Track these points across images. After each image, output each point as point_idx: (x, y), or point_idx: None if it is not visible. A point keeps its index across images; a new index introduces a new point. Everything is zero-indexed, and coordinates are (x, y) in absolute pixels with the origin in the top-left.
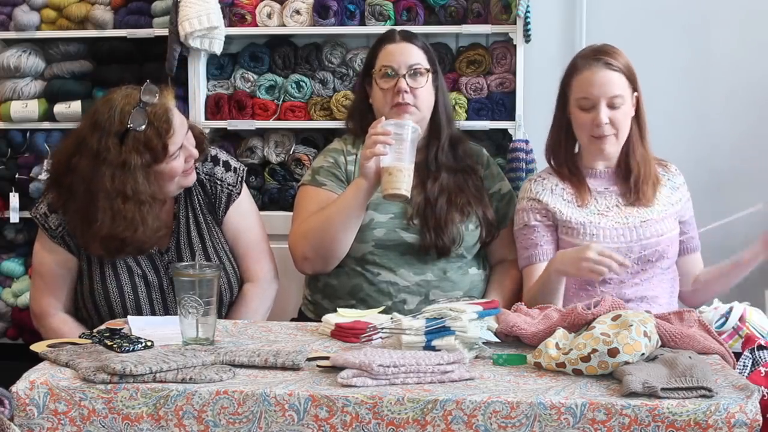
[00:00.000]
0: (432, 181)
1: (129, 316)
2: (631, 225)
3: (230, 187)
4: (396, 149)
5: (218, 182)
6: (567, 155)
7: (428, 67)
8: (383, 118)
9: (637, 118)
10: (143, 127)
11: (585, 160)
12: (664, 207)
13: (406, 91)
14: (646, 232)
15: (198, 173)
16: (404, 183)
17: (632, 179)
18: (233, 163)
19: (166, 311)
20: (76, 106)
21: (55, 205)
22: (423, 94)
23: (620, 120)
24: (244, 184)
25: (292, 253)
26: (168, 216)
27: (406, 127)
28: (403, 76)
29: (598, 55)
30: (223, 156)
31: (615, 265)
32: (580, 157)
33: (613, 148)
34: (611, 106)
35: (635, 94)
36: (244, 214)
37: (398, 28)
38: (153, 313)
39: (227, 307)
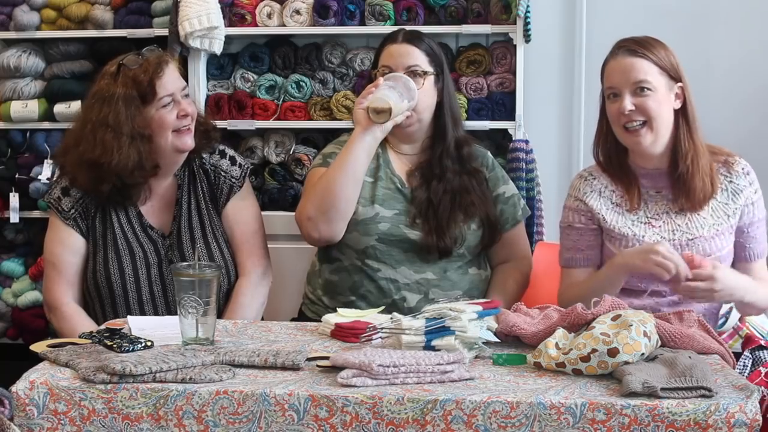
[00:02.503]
0: (437, 182)
1: (129, 317)
2: (676, 242)
3: (233, 180)
4: (385, 87)
5: (222, 174)
6: (612, 153)
7: (427, 69)
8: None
9: (683, 111)
10: (135, 66)
11: (632, 158)
12: (717, 221)
13: None
14: (692, 251)
15: (204, 163)
16: (389, 100)
17: (677, 175)
18: (239, 159)
19: (164, 292)
20: (76, 106)
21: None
22: (420, 95)
23: (650, 107)
24: (248, 180)
25: (298, 222)
26: (170, 199)
27: (398, 77)
28: None
29: (624, 43)
30: (230, 152)
31: (682, 268)
32: (630, 158)
33: (648, 139)
34: (636, 93)
35: (678, 84)
36: (243, 208)
37: (408, 28)
38: (151, 292)
39: (225, 295)
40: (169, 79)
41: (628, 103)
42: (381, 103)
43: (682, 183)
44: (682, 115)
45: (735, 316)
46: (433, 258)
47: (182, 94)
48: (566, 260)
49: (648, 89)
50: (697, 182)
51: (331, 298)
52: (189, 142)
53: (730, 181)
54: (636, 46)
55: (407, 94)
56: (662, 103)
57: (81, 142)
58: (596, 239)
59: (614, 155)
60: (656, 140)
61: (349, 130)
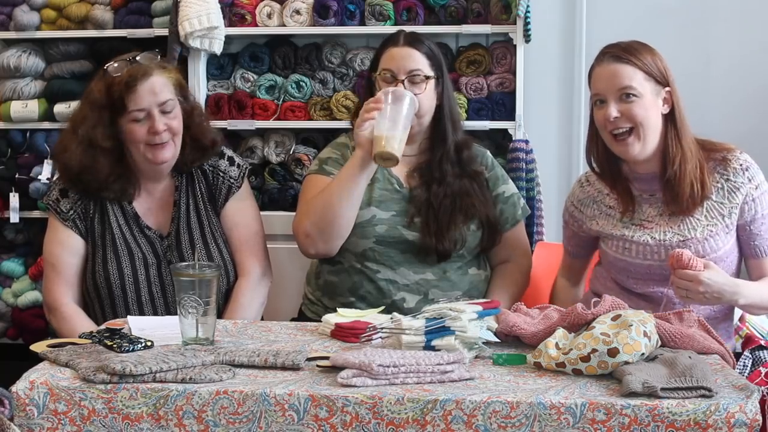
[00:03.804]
0: (437, 184)
1: (129, 317)
2: (667, 243)
3: (231, 180)
4: (390, 117)
5: (221, 174)
6: (603, 158)
7: (429, 73)
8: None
9: (671, 116)
10: (115, 74)
11: (625, 162)
12: (711, 221)
13: None
14: None
15: (202, 164)
16: (395, 145)
17: (666, 179)
18: (237, 159)
19: (164, 292)
20: (76, 106)
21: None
22: (421, 99)
23: (637, 114)
24: (246, 181)
25: (296, 235)
26: (168, 200)
27: (401, 97)
28: (402, 81)
29: (609, 49)
30: (228, 152)
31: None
32: (624, 162)
33: (636, 146)
34: (622, 100)
35: (666, 89)
36: (241, 208)
37: (406, 29)
38: (150, 293)
39: (224, 296)
40: (143, 94)
41: (614, 110)
42: (390, 151)
43: (670, 187)
44: (669, 119)
45: (735, 316)
46: (432, 260)
47: (161, 109)
48: (563, 245)
49: (633, 95)
50: (685, 187)
51: (330, 298)
52: (161, 156)
53: (727, 179)
54: (621, 52)
55: (410, 114)
56: (648, 108)
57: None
58: (586, 242)
59: (605, 160)
60: (644, 146)
61: (348, 130)
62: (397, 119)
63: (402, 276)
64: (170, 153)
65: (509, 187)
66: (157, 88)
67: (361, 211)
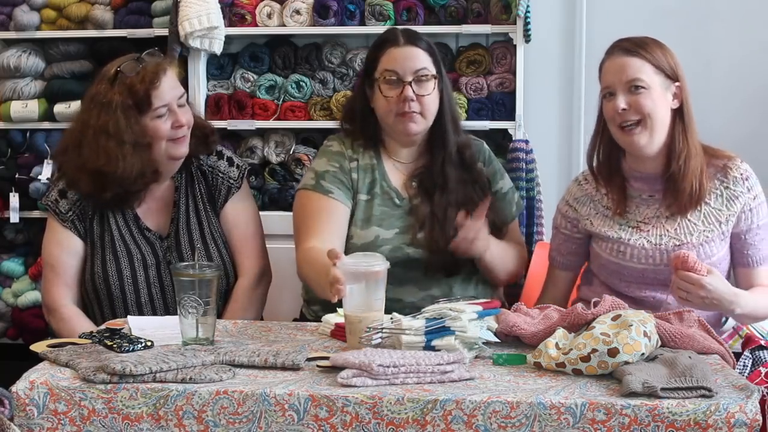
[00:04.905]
0: (439, 192)
1: (129, 316)
2: (663, 247)
3: (231, 181)
4: (358, 293)
5: (220, 175)
6: (605, 156)
7: (434, 72)
8: (343, 257)
9: (680, 111)
10: (132, 73)
11: (628, 161)
12: (708, 227)
13: (412, 100)
14: None
15: (202, 164)
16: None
17: (669, 175)
18: (237, 160)
19: (163, 294)
20: (76, 106)
21: (61, 158)
22: (429, 101)
23: (644, 105)
24: (246, 181)
25: None
26: (168, 201)
27: (368, 269)
28: (409, 83)
29: (620, 42)
30: (228, 152)
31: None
32: (625, 160)
33: (644, 138)
34: (631, 92)
35: (676, 84)
36: (241, 209)
37: (400, 27)
38: (149, 294)
39: (223, 297)
40: (165, 89)
41: (622, 101)
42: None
43: (672, 183)
44: (678, 115)
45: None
46: (440, 277)
47: (178, 103)
48: (550, 257)
49: (642, 87)
50: (687, 185)
51: (325, 312)
52: (182, 150)
53: (726, 187)
54: (631, 45)
55: (383, 279)
56: (657, 101)
57: (82, 146)
58: (579, 247)
59: (606, 159)
60: (651, 140)
61: (338, 131)
62: (365, 296)
63: (407, 294)
64: (187, 146)
65: (506, 183)
66: (173, 82)
67: (363, 232)
